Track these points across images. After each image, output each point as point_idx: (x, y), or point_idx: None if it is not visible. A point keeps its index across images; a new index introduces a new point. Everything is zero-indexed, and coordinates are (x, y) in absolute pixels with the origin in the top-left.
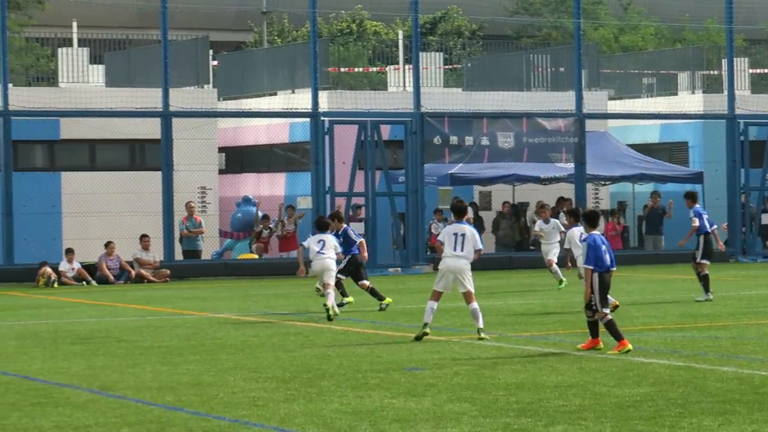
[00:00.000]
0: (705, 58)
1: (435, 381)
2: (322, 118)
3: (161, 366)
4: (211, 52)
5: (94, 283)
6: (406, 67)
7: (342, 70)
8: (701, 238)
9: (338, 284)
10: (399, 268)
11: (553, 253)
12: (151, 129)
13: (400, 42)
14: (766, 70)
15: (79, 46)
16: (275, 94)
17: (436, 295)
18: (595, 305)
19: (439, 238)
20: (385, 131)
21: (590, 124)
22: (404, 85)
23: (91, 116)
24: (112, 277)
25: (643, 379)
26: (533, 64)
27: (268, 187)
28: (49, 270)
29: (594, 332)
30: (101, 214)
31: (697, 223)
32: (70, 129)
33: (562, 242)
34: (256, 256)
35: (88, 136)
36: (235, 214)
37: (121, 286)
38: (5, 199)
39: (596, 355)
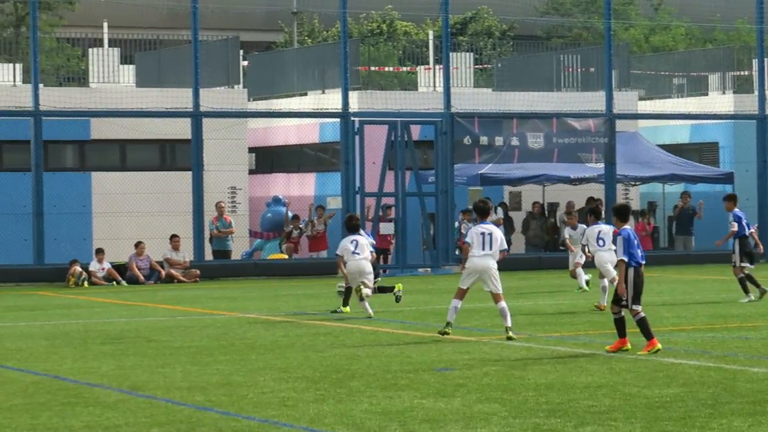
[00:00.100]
0: (735, 58)
1: (464, 381)
2: (353, 118)
3: (191, 366)
4: (241, 52)
5: (124, 283)
6: (437, 67)
7: (372, 69)
8: (737, 241)
9: (347, 291)
10: (429, 269)
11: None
12: (181, 129)
13: (431, 42)
14: None
15: (110, 46)
16: (305, 94)
17: (461, 294)
18: (625, 301)
19: (466, 239)
20: (415, 131)
21: (620, 125)
22: (434, 86)
23: (121, 116)
24: (142, 277)
25: (673, 379)
26: (563, 64)
27: (298, 187)
28: (78, 269)
29: (621, 331)
30: (131, 214)
31: (735, 227)
32: (101, 129)
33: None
34: (286, 257)
35: (119, 136)
36: (265, 214)
37: (151, 286)
38: (36, 199)
39: (626, 356)
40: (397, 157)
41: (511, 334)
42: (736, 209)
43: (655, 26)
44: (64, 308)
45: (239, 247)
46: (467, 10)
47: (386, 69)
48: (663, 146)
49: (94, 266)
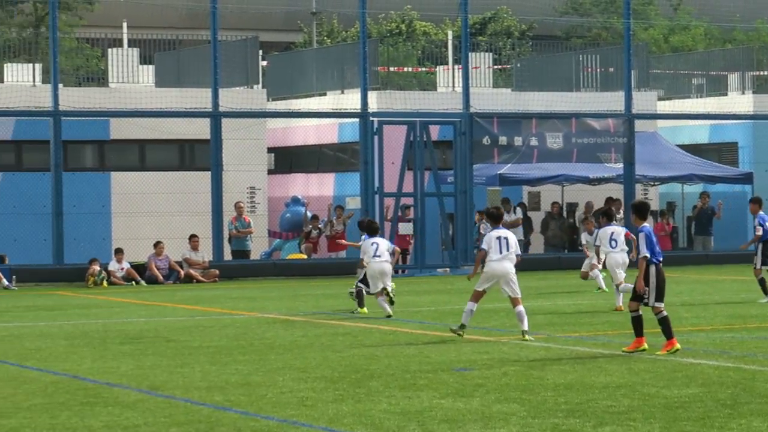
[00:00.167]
0: (755, 58)
1: (483, 381)
2: (372, 119)
3: (210, 366)
4: (260, 52)
5: (143, 283)
6: (456, 67)
7: (391, 69)
8: (761, 245)
9: (359, 294)
10: (447, 269)
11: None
12: (200, 129)
13: (450, 42)
14: None
15: (129, 46)
16: (324, 94)
17: (477, 296)
18: (647, 299)
19: (482, 246)
20: (434, 131)
21: (639, 125)
22: (453, 86)
23: (140, 116)
24: (161, 277)
25: (692, 380)
26: (583, 64)
27: (317, 188)
28: (98, 267)
29: (638, 330)
30: (151, 214)
31: (760, 231)
32: (120, 129)
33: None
34: (305, 257)
35: (138, 136)
36: (284, 214)
37: (170, 286)
38: (55, 199)
39: (645, 356)
40: (416, 158)
41: (527, 337)
42: (761, 212)
43: (674, 26)
44: (84, 308)
45: (258, 247)
46: (486, 10)
47: (405, 69)
48: (682, 146)
49: (113, 266)
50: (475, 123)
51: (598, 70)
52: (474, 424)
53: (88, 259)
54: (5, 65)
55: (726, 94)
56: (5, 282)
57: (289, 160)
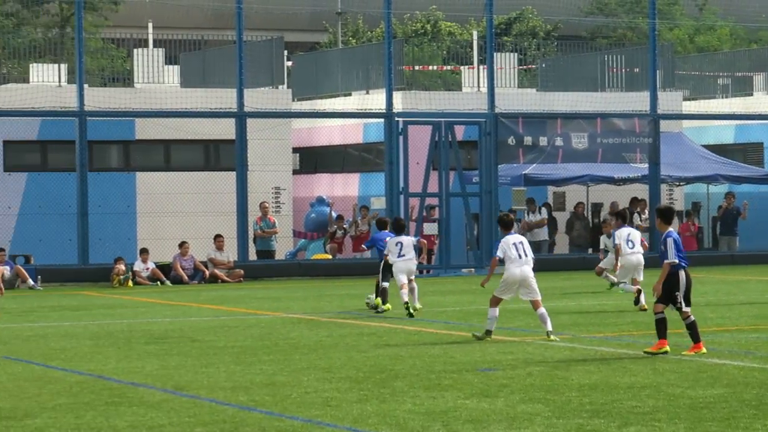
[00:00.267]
0: None
1: (508, 382)
2: (396, 119)
3: (235, 366)
4: (285, 52)
5: (168, 283)
6: (481, 67)
7: (416, 68)
8: None
9: (383, 292)
10: (472, 269)
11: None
12: (225, 129)
13: (475, 42)
14: None
15: (155, 46)
16: (349, 94)
17: (497, 302)
18: (680, 303)
19: (497, 253)
20: (459, 132)
21: (665, 125)
22: (478, 86)
23: (166, 117)
24: (186, 277)
25: (717, 380)
26: (608, 64)
27: (341, 188)
28: (122, 267)
29: (662, 332)
30: (176, 214)
31: None
32: (145, 129)
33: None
34: (330, 257)
35: (163, 136)
36: (309, 214)
37: (195, 286)
38: (80, 200)
39: (670, 357)
40: (441, 158)
41: (552, 337)
42: None
43: (699, 26)
44: (109, 308)
45: (283, 247)
46: (512, 11)
47: (430, 68)
48: (707, 146)
49: (138, 266)
50: (500, 123)
51: (624, 70)
52: (498, 425)
53: (113, 259)
54: (31, 65)
55: (751, 95)
56: (30, 282)
57: (314, 160)
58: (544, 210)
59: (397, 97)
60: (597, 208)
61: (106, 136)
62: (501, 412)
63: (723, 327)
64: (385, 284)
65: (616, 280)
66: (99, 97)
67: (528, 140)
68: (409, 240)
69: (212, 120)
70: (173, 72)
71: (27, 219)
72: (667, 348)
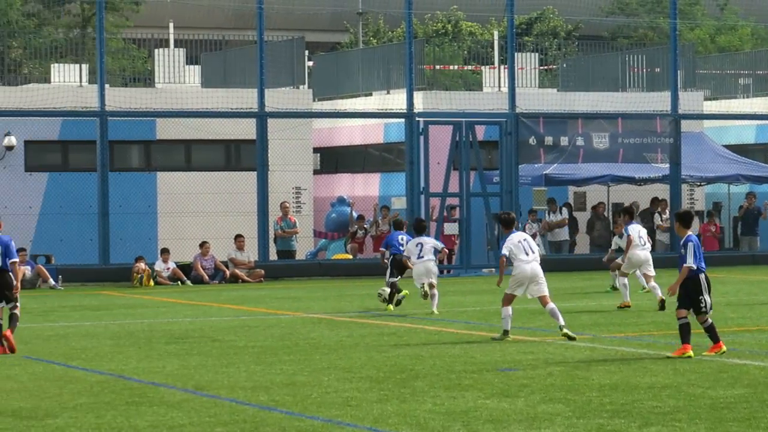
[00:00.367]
0: None
1: (528, 382)
2: (417, 119)
3: (255, 366)
4: (306, 52)
5: (188, 282)
6: (502, 67)
7: (437, 68)
8: None
9: (393, 284)
10: (493, 269)
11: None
12: (246, 129)
13: (496, 42)
14: None
15: (176, 47)
16: (370, 94)
17: (510, 300)
18: (704, 308)
19: (503, 252)
20: (480, 132)
21: (686, 125)
22: (499, 86)
23: (186, 117)
24: (206, 277)
25: (738, 380)
26: (629, 64)
27: (362, 188)
28: (143, 265)
29: (685, 337)
30: (196, 214)
31: None
32: (166, 129)
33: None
34: (351, 257)
35: (184, 136)
36: (330, 214)
37: (216, 286)
38: (101, 199)
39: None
40: (461, 158)
41: (566, 331)
42: None
43: (720, 26)
44: (129, 308)
45: (304, 247)
46: (532, 11)
47: (451, 68)
48: (728, 146)
49: (159, 266)
50: (521, 123)
51: (645, 70)
52: (519, 425)
53: (134, 258)
54: (52, 66)
55: None
56: (52, 282)
57: (334, 160)
58: (564, 210)
59: (418, 97)
60: (617, 208)
61: (127, 136)
62: (521, 412)
63: (744, 327)
64: (393, 280)
65: (617, 283)
66: (120, 97)
67: (549, 140)
68: (431, 242)
69: (233, 120)
70: (194, 72)
71: (48, 219)
72: (691, 353)
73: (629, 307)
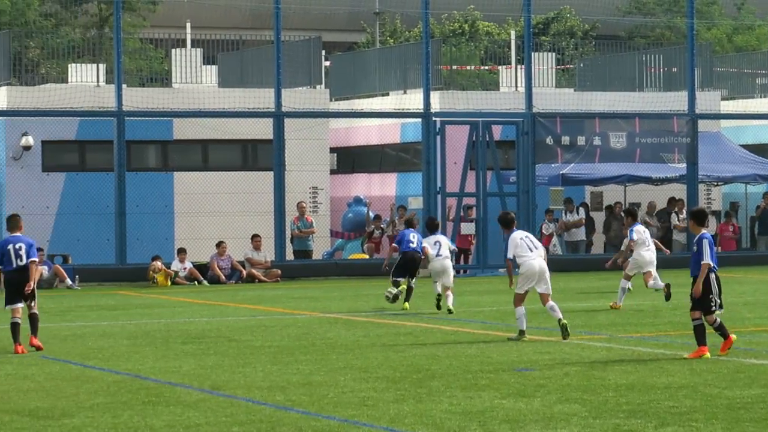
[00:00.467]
0: None
1: (545, 382)
2: (434, 119)
3: (272, 366)
4: (323, 52)
5: (205, 282)
6: (518, 67)
7: (453, 67)
8: None
9: (396, 283)
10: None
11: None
12: (263, 129)
13: (512, 42)
14: None
15: (193, 47)
16: (387, 94)
17: (521, 299)
18: (714, 307)
19: (509, 255)
20: (497, 131)
21: (703, 125)
22: (516, 86)
23: (203, 116)
24: (223, 277)
25: (755, 380)
26: (646, 64)
27: (379, 188)
28: (159, 264)
29: (701, 339)
30: (213, 214)
31: None
32: (183, 129)
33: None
34: (367, 256)
35: (201, 136)
36: (346, 214)
37: (233, 286)
38: (118, 199)
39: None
40: (478, 157)
41: (565, 321)
42: None
43: (738, 26)
44: (146, 308)
45: (320, 247)
46: (549, 10)
47: (468, 67)
48: (746, 146)
49: (175, 266)
50: (538, 123)
51: (662, 69)
52: (535, 425)
53: (151, 261)
54: (70, 66)
55: None
56: (69, 281)
57: (351, 160)
58: (581, 210)
59: (435, 97)
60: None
61: (144, 136)
62: (538, 412)
63: (761, 327)
64: (399, 279)
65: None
66: (137, 97)
67: (566, 140)
68: (446, 241)
69: (250, 120)
70: (211, 72)
71: (65, 219)
72: (708, 355)
73: (618, 309)
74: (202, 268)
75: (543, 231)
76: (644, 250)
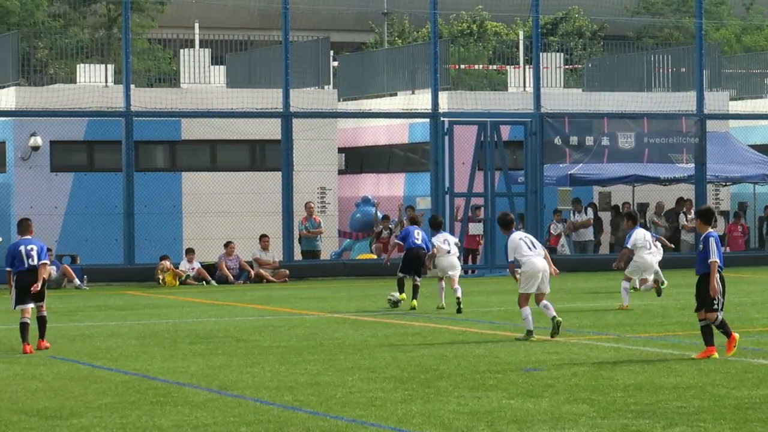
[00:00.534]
0: None
1: (553, 382)
2: (442, 119)
3: (280, 366)
4: (331, 52)
5: (213, 282)
6: (527, 67)
7: (461, 68)
8: None
9: (399, 282)
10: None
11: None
12: (271, 129)
13: (521, 42)
14: None
15: (201, 47)
16: (395, 94)
17: (527, 299)
18: (716, 305)
19: (510, 259)
20: (505, 132)
21: (711, 125)
22: (524, 86)
23: (212, 117)
24: (231, 277)
25: (763, 380)
26: (654, 64)
27: (387, 188)
28: (167, 263)
29: (709, 339)
30: (221, 214)
31: None
32: (191, 129)
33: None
34: (375, 257)
35: (209, 136)
36: (355, 214)
37: (241, 286)
38: (127, 200)
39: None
40: (486, 158)
41: (559, 318)
42: None
43: (746, 26)
44: (154, 308)
45: (328, 247)
46: (558, 11)
47: (476, 68)
48: (754, 146)
49: (184, 266)
50: (546, 123)
51: (670, 70)
52: (543, 425)
53: (160, 261)
54: (78, 66)
55: None
56: (77, 281)
57: (359, 160)
58: (589, 210)
59: (443, 97)
60: (643, 208)
61: (152, 137)
62: (545, 413)
63: None
64: (402, 275)
65: (663, 279)
66: (145, 98)
67: (574, 140)
68: (453, 238)
69: (258, 120)
70: (219, 72)
71: (73, 219)
72: (716, 355)
73: (626, 309)
74: (211, 269)
75: (551, 231)
76: (646, 253)
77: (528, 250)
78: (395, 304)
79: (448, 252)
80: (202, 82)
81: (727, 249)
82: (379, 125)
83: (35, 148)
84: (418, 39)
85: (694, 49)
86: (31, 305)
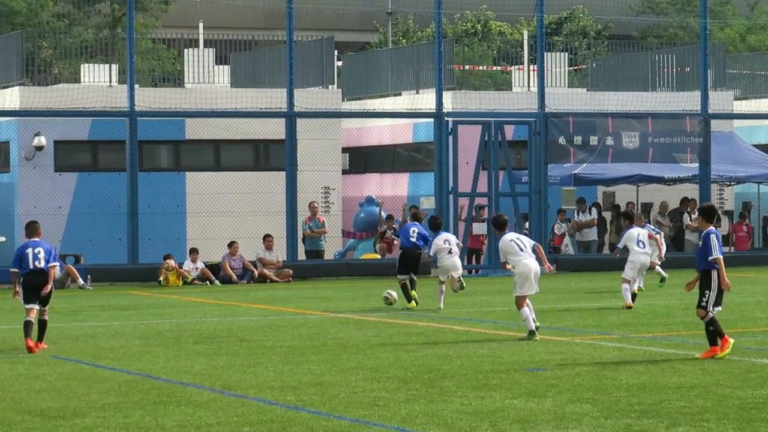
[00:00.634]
0: None
1: (556, 382)
2: (446, 119)
3: (283, 365)
4: (336, 52)
5: (217, 282)
6: (531, 67)
7: (466, 67)
8: None
9: (404, 287)
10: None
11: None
12: (275, 129)
13: (525, 42)
14: None
15: (205, 47)
16: (399, 94)
17: (523, 301)
18: (706, 302)
19: (503, 260)
20: (509, 131)
21: (716, 125)
22: (528, 86)
23: (216, 117)
24: (235, 277)
25: (767, 380)
26: (658, 64)
27: (391, 188)
28: (171, 262)
29: (713, 339)
30: (225, 214)
31: None
32: (195, 129)
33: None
34: (379, 257)
35: (213, 136)
36: (358, 214)
37: (244, 286)
38: (130, 199)
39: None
40: (490, 157)
41: (538, 324)
42: None
43: (751, 26)
44: (158, 308)
45: (332, 247)
46: (562, 10)
47: (480, 67)
48: (758, 146)
49: (188, 266)
50: (550, 123)
51: (674, 69)
52: (546, 425)
53: (163, 261)
54: (82, 66)
55: None
56: (81, 281)
57: (363, 160)
58: (593, 210)
59: (447, 97)
60: (647, 208)
61: (156, 136)
62: (549, 412)
63: None
64: (403, 277)
65: (665, 274)
66: (149, 98)
67: (578, 140)
68: (454, 239)
69: (262, 120)
70: (224, 72)
71: (77, 219)
72: (720, 354)
73: (631, 307)
74: (214, 268)
75: (555, 231)
76: (641, 253)
77: (520, 251)
78: (390, 302)
79: (450, 252)
80: (206, 81)
81: (732, 249)
82: (383, 125)
83: (39, 148)
84: (422, 39)
85: (699, 49)
86: (36, 306)
